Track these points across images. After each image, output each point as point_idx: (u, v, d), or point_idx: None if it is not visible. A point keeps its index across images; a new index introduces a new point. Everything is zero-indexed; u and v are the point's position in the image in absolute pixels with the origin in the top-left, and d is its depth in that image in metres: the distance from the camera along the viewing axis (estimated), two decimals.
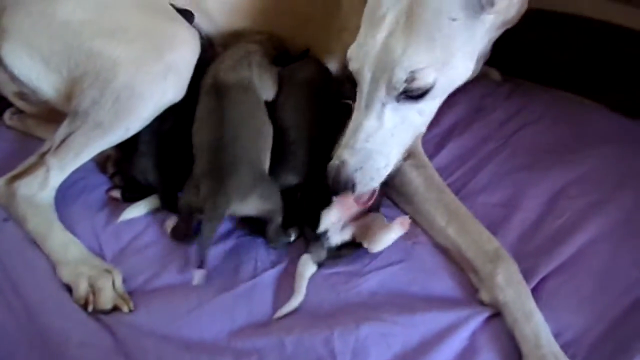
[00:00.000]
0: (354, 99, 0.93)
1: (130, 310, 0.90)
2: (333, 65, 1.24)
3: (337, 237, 0.96)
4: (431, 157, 1.11)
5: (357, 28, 1.17)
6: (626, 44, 1.28)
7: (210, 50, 1.22)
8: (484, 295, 0.91)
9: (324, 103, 1.12)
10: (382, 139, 0.89)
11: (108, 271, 0.93)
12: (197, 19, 1.22)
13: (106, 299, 0.90)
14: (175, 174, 1.04)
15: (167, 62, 1.02)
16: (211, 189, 0.92)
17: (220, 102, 1.05)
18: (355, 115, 0.90)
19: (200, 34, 1.18)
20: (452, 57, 0.86)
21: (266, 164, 1.00)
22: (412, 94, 0.86)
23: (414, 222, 1.04)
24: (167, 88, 1.02)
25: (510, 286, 0.89)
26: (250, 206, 0.93)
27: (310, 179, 1.01)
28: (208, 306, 0.91)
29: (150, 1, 1.11)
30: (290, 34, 1.27)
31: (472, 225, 0.98)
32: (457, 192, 1.05)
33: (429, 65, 0.83)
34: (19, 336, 0.88)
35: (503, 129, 1.24)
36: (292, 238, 1.00)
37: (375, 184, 0.92)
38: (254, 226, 1.01)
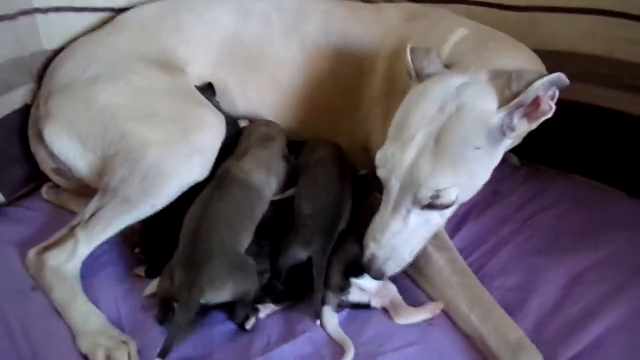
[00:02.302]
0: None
1: None
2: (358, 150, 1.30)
3: (356, 296, 1.00)
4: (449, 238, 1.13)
5: (377, 115, 1.25)
6: None
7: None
8: None
9: (341, 178, 1.16)
10: (406, 236, 0.95)
11: (125, 342, 0.94)
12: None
13: None
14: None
15: (193, 144, 1.08)
16: (185, 281, 0.93)
17: (214, 192, 1.07)
18: (382, 213, 0.95)
19: (229, 115, 1.26)
20: (474, 178, 0.92)
21: (244, 247, 1.02)
22: (435, 207, 0.91)
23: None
24: (192, 167, 1.08)
25: None
26: (225, 294, 0.94)
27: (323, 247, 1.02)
28: None
29: (180, 87, 1.20)
30: (313, 123, 1.34)
31: (496, 312, 0.97)
32: None
33: (452, 186, 0.88)
34: None
35: (520, 212, 1.25)
36: (262, 315, 1.00)
37: (402, 268, 1.00)
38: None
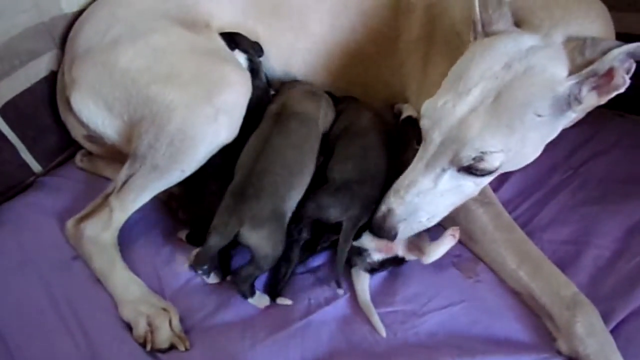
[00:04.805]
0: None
1: (187, 349, 0.91)
2: (395, 99, 1.23)
3: (377, 255, 0.97)
4: (494, 190, 1.07)
5: (415, 62, 1.17)
6: None
7: (268, 93, 1.23)
8: (562, 346, 0.86)
9: (388, 152, 1.09)
10: (432, 198, 0.89)
11: (165, 310, 0.95)
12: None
13: (163, 338, 0.91)
14: None
15: (217, 105, 1.04)
16: (229, 206, 0.95)
17: (272, 128, 1.07)
18: (413, 167, 0.90)
19: (262, 75, 1.21)
20: (526, 147, 0.85)
21: (290, 203, 0.99)
22: (474, 172, 0.85)
23: (478, 260, 1.01)
24: (219, 129, 1.04)
25: (592, 336, 0.84)
26: (256, 238, 0.92)
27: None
28: (261, 347, 0.90)
29: (203, 43, 1.15)
30: (346, 72, 1.27)
31: (546, 267, 0.93)
32: (521, 228, 1.00)
33: (500, 151, 0.82)
34: None
35: (572, 158, 1.18)
36: (254, 299, 0.97)
37: (414, 233, 0.94)
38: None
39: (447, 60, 0.97)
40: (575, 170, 1.15)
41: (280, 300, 0.97)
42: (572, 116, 0.84)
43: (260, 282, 1.01)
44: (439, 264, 0.99)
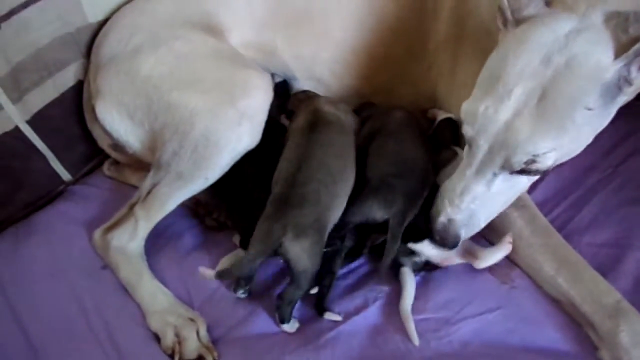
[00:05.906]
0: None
1: None
2: (423, 102, 1.21)
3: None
4: (528, 192, 1.02)
5: (444, 63, 1.15)
6: None
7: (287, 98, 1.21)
8: (605, 356, 0.83)
9: (425, 144, 1.07)
10: (487, 201, 0.87)
11: (193, 320, 0.94)
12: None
13: (191, 349, 0.91)
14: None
15: (240, 109, 1.02)
16: (272, 214, 0.92)
17: (310, 137, 1.04)
18: (462, 173, 0.87)
19: (279, 79, 1.19)
20: (578, 142, 0.81)
21: (334, 213, 0.95)
22: (527, 173, 0.82)
23: (513, 265, 0.97)
24: (242, 134, 1.03)
25: (638, 347, 0.80)
26: (298, 249, 0.89)
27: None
28: (291, 357, 0.88)
29: (225, 49, 1.14)
30: (373, 77, 1.24)
31: (586, 273, 0.90)
32: (558, 232, 0.96)
33: (552, 150, 0.78)
34: None
35: (610, 157, 1.13)
36: (289, 325, 0.93)
37: (475, 232, 0.92)
38: None
39: (477, 60, 0.93)
40: (614, 168, 1.10)
41: (329, 316, 0.93)
42: (624, 99, 0.79)
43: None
44: (472, 269, 0.96)
